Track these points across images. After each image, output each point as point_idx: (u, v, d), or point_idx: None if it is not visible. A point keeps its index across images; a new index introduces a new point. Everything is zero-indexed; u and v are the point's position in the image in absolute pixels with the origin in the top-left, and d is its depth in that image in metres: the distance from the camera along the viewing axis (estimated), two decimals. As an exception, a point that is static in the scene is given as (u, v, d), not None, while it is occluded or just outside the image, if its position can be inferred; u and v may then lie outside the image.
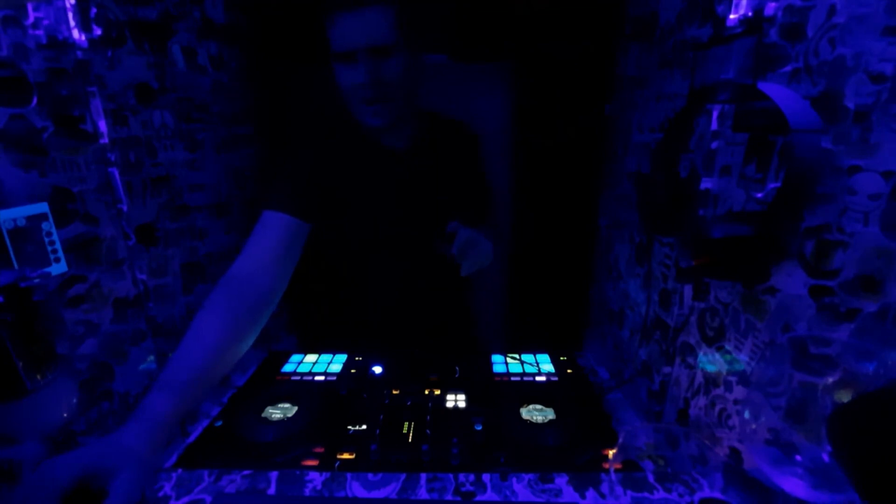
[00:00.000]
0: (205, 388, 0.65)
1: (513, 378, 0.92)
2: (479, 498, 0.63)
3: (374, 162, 0.89)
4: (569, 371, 0.95)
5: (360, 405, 0.83)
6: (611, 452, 0.70)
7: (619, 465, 0.68)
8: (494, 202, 1.06)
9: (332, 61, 0.78)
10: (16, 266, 0.58)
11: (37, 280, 0.59)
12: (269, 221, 0.80)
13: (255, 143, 1.18)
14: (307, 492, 0.64)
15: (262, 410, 0.80)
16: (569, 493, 0.63)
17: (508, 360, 0.99)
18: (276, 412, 0.80)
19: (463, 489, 0.64)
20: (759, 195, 0.58)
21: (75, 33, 0.67)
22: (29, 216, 0.60)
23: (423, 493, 0.64)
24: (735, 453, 0.64)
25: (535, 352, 1.03)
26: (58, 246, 0.64)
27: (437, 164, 0.92)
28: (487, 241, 0.88)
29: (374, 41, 0.74)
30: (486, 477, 0.66)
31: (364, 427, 0.77)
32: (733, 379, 0.64)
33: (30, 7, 0.62)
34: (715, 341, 0.67)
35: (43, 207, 0.62)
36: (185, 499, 0.63)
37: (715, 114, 0.65)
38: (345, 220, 0.91)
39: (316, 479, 0.66)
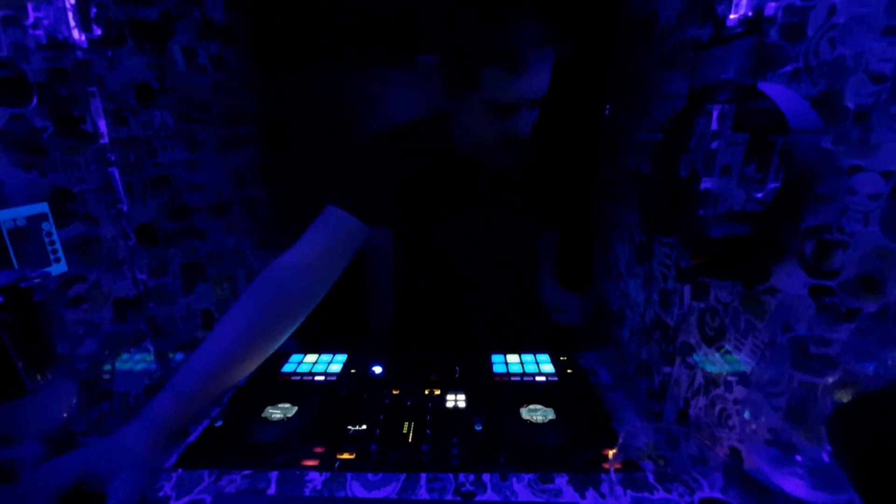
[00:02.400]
0: (217, 393, 0.65)
1: (513, 378, 0.92)
2: (479, 498, 0.63)
3: (462, 180, 0.87)
4: (569, 371, 0.95)
5: (360, 405, 0.83)
6: (611, 452, 0.70)
7: (619, 465, 0.68)
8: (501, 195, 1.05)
9: (475, 104, 0.75)
10: (16, 266, 0.58)
11: (37, 280, 0.59)
12: (332, 217, 0.78)
13: (254, 144, 1.18)
14: (307, 492, 0.64)
15: (262, 410, 0.80)
16: (569, 493, 0.63)
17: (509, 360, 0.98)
18: (276, 412, 0.80)
19: (463, 489, 0.64)
20: (759, 195, 0.58)
21: (75, 33, 0.67)
22: (29, 216, 0.60)
23: (423, 493, 0.64)
24: (735, 453, 0.64)
25: (535, 352, 1.03)
26: (58, 246, 0.64)
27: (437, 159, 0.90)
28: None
29: (532, 96, 0.73)
30: (486, 477, 0.66)
31: (364, 427, 0.77)
32: (733, 379, 0.64)
33: (30, 7, 0.62)
34: (715, 341, 0.67)
35: (43, 207, 0.62)
36: (185, 499, 0.63)
37: (715, 114, 0.64)
38: (399, 230, 0.90)
39: (316, 479, 0.66)
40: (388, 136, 0.88)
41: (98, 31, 0.70)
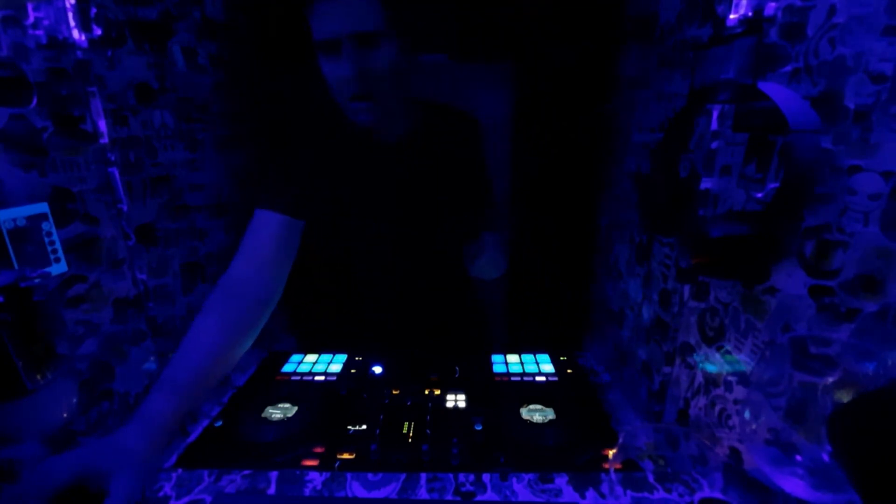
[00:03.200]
0: (204, 388, 0.66)
1: (513, 378, 0.92)
2: (479, 498, 0.63)
3: (366, 157, 0.86)
4: (569, 371, 0.95)
5: (360, 405, 0.83)
6: (611, 452, 0.70)
7: (619, 465, 0.68)
8: (494, 194, 1.02)
9: (316, 52, 0.72)
10: (16, 266, 0.58)
11: (37, 280, 0.59)
12: (261, 220, 0.79)
13: (255, 143, 1.18)
14: (307, 492, 0.64)
15: (262, 410, 0.80)
16: (569, 493, 0.63)
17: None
18: (276, 412, 0.80)
19: (463, 489, 0.64)
20: (759, 195, 0.58)
21: (75, 33, 0.67)
22: (29, 216, 0.60)
23: (423, 493, 0.64)
24: (735, 453, 0.64)
25: (535, 352, 1.03)
26: (58, 246, 0.64)
27: (433, 158, 0.89)
28: (500, 254, 0.87)
29: (359, 27, 0.67)
30: (486, 477, 0.66)
31: (364, 427, 0.77)
32: (733, 379, 0.64)
33: (30, 7, 0.62)
34: (715, 341, 0.67)
35: (43, 207, 0.62)
36: (185, 499, 0.63)
37: (715, 114, 0.64)
38: (338, 217, 0.90)
39: (316, 479, 0.66)
40: (294, 130, 0.89)
41: (98, 31, 0.70)
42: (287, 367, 0.98)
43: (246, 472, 0.68)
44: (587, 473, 0.66)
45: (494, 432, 0.75)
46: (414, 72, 0.80)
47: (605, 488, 0.64)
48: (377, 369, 0.94)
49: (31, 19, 0.62)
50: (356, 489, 0.64)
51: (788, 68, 0.54)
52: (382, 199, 0.90)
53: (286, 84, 1.25)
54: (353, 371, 0.96)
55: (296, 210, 0.80)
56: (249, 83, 1.17)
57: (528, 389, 0.88)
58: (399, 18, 0.71)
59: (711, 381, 0.68)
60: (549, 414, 0.79)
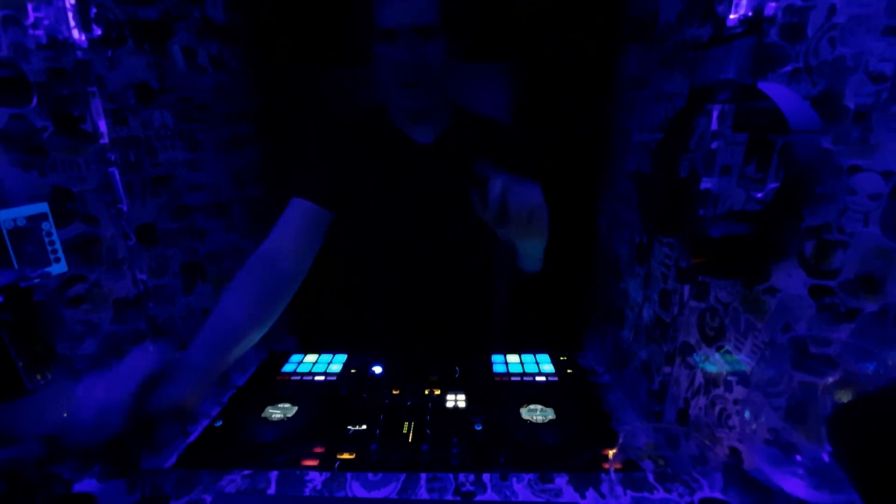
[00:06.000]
0: (225, 365, 0.67)
1: (513, 378, 0.92)
2: (479, 498, 0.63)
3: (400, 158, 0.90)
4: (569, 371, 0.95)
5: (360, 405, 0.83)
6: (611, 452, 0.70)
7: (619, 465, 0.68)
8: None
9: (373, 40, 0.79)
10: (16, 266, 0.58)
11: (37, 280, 0.59)
12: (294, 207, 0.84)
13: (255, 143, 1.18)
14: (307, 492, 0.64)
15: (262, 410, 0.80)
16: (569, 493, 0.63)
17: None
18: (276, 412, 0.80)
19: (463, 489, 0.64)
20: (759, 195, 0.58)
21: (75, 33, 0.67)
22: (29, 216, 0.60)
23: (423, 493, 0.64)
24: (735, 453, 0.64)
25: (535, 352, 1.03)
26: (58, 246, 0.64)
27: (463, 162, 0.89)
28: (538, 195, 0.66)
29: (419, 20, 0.75)
30: (486, 477, 0.66)
31: (364, 427, 0.77)
32: (733, 379, 0.64)
33: (30, 7, 0.62)
34: (715, 341, 0.67)
35: (43, 207, 0.62)
36: (185, 499, 0.63)
37: (715, 114, 0.65)
38: (366, 213, 0.93)
39: (316, 479, 0.66)
40: (337, 126, 0.93)
41: (98, 31, 0.70)
42: (287, 367, 0.98)
43: (246, 472, 0.68)
44: (587, 473, 0.66)
45: (494, 432, 0.75)
46: (454, 74, 0.85)
47: (605, 488, 0.64)
48: (377, 369, 0.94)
49: (31, 19, 0.62)
50: (356, 489, 0.64)
51: (788, 68, 0.54)
52: (406, 200, 0.91)
53: (324, 81, 1.25)
54: (353, 371, 0.96)
55: (328, 201, 0.85)
56: (258, 84, 1.17)
57: (527, 389, 0.88)
58: (450, 17, 0.78)
59: (711, 381, 0.68)
60: (549, 414, 0.79)
